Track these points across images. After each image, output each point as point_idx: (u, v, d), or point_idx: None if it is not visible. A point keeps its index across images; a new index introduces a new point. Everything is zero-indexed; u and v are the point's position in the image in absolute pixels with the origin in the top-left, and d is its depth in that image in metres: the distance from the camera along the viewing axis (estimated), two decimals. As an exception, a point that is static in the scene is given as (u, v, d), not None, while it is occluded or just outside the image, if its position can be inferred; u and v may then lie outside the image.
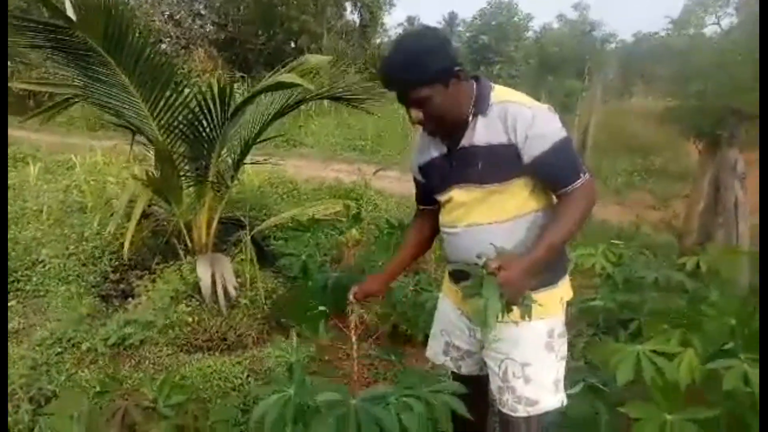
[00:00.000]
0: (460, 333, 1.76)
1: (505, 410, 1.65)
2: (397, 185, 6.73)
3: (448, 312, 1.79)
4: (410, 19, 42.46)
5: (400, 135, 11.53)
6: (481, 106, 1.50)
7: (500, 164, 1.48)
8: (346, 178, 6.54)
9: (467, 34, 29.39)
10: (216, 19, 17.96)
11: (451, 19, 40.18)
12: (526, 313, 1.43)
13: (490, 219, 1.54)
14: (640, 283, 2.80)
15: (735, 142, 4.30)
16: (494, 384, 1.67)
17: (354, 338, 1.85)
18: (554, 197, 1.57)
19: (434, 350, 1.87)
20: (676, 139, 6.36)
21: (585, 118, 9.04)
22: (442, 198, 1.64)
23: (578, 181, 1.47)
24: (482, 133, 1.50)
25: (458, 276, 1.66)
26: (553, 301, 1.61)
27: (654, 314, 2.41)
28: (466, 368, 1.80)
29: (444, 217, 1.67)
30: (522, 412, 1.62)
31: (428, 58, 1.42)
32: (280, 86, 3.41)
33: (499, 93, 1.53)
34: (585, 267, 2.97)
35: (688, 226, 4.42)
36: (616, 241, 3.21)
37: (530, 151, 1.45)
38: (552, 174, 1.49)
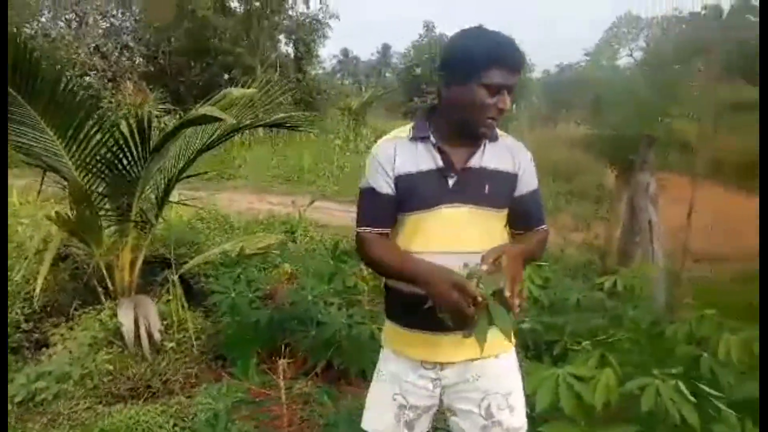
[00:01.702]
0: (420, 390, 1.57)
1: None
2: (333, 216, 6.72)
3: (404, 371, 1.58)
4: (345, 51, 43.29)
5: (336, 165, 11.58)
6: (492, 132, 1.51)
7: (504, 191, 1.52)
8: (281, 210, 6.46)
9: (401, 66, 30.22)
10: (145, 51, 17.57)
11: (384, 50, 41.27)
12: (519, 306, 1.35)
13: (485, 246, 1.42)
14: (563, 304, 2.90)
15: (647, 166, 4.58)
16: (476, 425, 1.56)
17: (282, 382, 1.80)
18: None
19: (384, 421, 1.61)
20: (597, 164, 6.74)
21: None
22: (419, 215, 1.49)
23: (545, 225, 1.61)
24: (492, 157, 1.51)
25: (424, 317, 1.42)
26: None
27: (575, 335, 2.50)
28: (420, 428, 1.63)
29: (417, 240, 1.49)
30: None
31: None
32: (202, 120, 3.35)
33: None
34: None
35: (609, 247, 4.65)
36: (542, 263, 3.32)
37: (523, 186, 1.54)
38: (533, 210, 1.59)
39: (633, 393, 1.82)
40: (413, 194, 1.48)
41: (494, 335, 1.44)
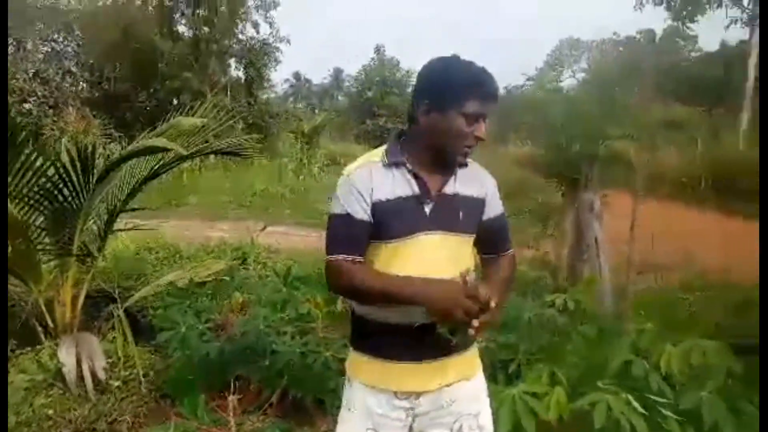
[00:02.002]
0: (394, 422, 1.54)
1: None
2: (287, 241, 6.65)
3: (376, 403, 1.53)
4: (297, 75, 43.41)
5: (289, 189, 11.51)
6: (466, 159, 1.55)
7: (475, 216, 1.55)
8: (233, 237, 6.34)
9: (353, 89, 30.52)
10: (89, 76, 17.11)
11: (337, 74, 41.61)
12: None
13: (456, 272, 1.45)
14: (516, 323, 2.95)
15: (590, 184, 4.75)
16: None
17: (232, 419, 1.74)
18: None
19: None
20: (545, 183, 6.95)
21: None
22: (397, 243, 1.47)
23: (512, 249, 1.65)
24: (464, 183, 1.53)
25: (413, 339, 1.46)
26: None
27: (528, 353, 2.54)
28: None
29: (394, 268, 1.46)
30: None
31: None
32: (150, 151, 3.28)
33: None
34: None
35: (559, 263, 4.78)
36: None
37: (491, 210, 1.58)
38: (501, 234, 1.63)
39: (585, 409, 1.87)
40: (391, 222, 1.46)
41: (468, 357, 1.55)
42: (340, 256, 1.46)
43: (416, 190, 1.47)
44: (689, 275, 5.42)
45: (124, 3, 17.96)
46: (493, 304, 1.32)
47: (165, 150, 3.20)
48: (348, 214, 1.46)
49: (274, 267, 4.82)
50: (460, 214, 1.51)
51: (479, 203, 1.56)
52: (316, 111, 28.54)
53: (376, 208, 1.45)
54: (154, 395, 3.08)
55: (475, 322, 1.31)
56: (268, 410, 2.76)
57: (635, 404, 1.81)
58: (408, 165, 1.48)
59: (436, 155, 1.49)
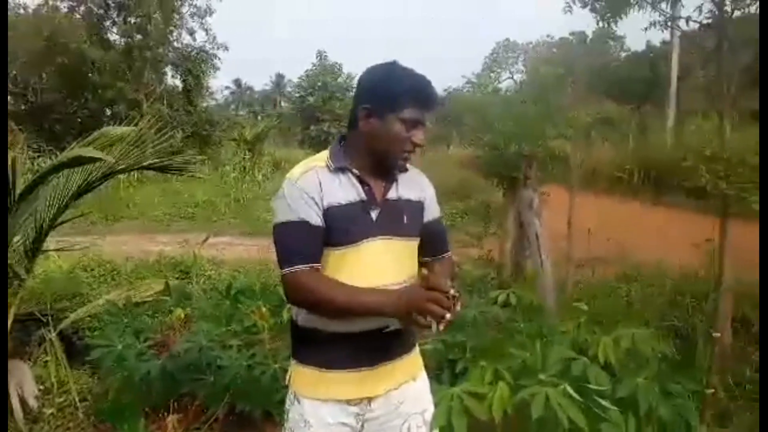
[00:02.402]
0: (346, 428, 1.53)
1: None
2: (231, 251, 6.50)
3: (330, 413, 1.51)
4: (237, 82, 42.61)
5: (233, 198, 11.26)
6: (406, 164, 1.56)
7: (418, 220, 1.57)
8: (175, 251, 6.14)
9: (296, 95, 30.24)
10: (12, 88, 16.16)
11: (279, 80, 41.16)
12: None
13: (404, 277, 1.51)
14: (462, 321, 2.98)
15: (529, 183, 4.89)
16: None
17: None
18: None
19: None
20: (487, 183, 7.12)
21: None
22: (346, 250, 1.45)
23: (450, 251, 1.69)
24: (405, 188, 1.55)
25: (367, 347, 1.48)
26: None
27: (474, 351, 2.58)
28: None
29: (342, 275, 1.44)
30: None
31: None
32: (78, 162, 3.12)
33: None
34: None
35: (503, 260, 4.90)
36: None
37: (430, 214, 1.62)
38: (441, 236, 1.67)
39: (527, 402, 1.90)
40: (341, 228, 1.44)
41: (412, 358, 1.61)
42: (300, 266, 1.40)
43: (363, 195, 1.47)
44: (625, 266, 5.67)
45: (47, 11, 17.06)
46: (453, 292, 1.30)
47: (95, 161, 3.05)
48: (303, 221, 1.41)
49: (218, 280, 4.71)
50: (405, 218, 1.53)
51: (419, 207, 1.59)
52: (259, 117, 28.07)
53: (328, 213, 1.43)
54: (92, 421, 2.94)
55: (458, 307, 1.28)
56: (214, 425, 2.68)
57: (573, 394, 1.86)
58: (354, 170, 1.48)
59: (377, 160, 1.49)
